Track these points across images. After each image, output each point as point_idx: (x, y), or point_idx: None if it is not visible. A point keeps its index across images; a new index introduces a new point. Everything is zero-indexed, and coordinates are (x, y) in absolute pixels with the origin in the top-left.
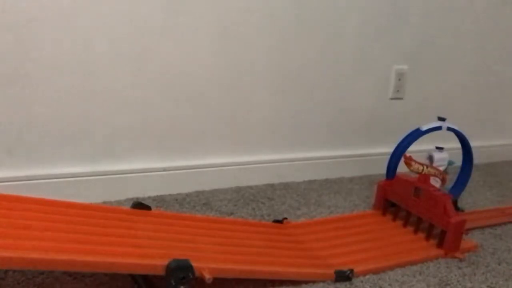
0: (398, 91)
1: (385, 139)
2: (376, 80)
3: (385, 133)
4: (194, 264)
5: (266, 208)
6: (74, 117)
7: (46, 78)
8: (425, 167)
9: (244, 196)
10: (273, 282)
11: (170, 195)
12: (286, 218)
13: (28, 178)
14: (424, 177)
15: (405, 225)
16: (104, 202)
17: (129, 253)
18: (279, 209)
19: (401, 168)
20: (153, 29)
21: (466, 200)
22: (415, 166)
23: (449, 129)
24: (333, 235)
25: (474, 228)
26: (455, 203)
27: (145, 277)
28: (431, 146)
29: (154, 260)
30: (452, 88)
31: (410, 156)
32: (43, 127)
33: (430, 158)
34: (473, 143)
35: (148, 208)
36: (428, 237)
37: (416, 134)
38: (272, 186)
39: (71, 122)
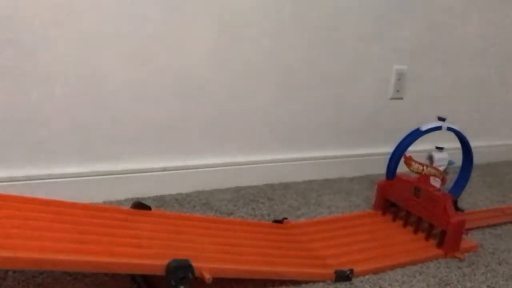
0: (398, 91)
1: (385, 139)
2: (376, 80)
3: (385, 133)
4: (194, 264)
5: (266, 208)
6: (73, 117)
7: (47, 78)
8: (425, 167)
9: (244, 196)
10: (273, 282)
11: (170, 195)
12: (286, 218)
13: (28, 178)
14: (424, 177)
15: (405, 225)
16: (104, 202)
17: (129, 253)
18: (279, 209)
19: (401, 168)
20: (153, 29)
21: (466, 200)
22: (415, 166)
23: (449, 129)
24: (333, 235)
25: (474, 228)
26: (455, 203)
27: (145, 277)
28: (431, 146)
29: (154, 260)
30: (452, 88)
31: (410, 156)
32: (43, 127)
33: (430, 158)
34: (473, 143)
35: (148, 208)
36: (428, 237)
37: (416, 134)
38: (272, 186)
39: (71, 122)
